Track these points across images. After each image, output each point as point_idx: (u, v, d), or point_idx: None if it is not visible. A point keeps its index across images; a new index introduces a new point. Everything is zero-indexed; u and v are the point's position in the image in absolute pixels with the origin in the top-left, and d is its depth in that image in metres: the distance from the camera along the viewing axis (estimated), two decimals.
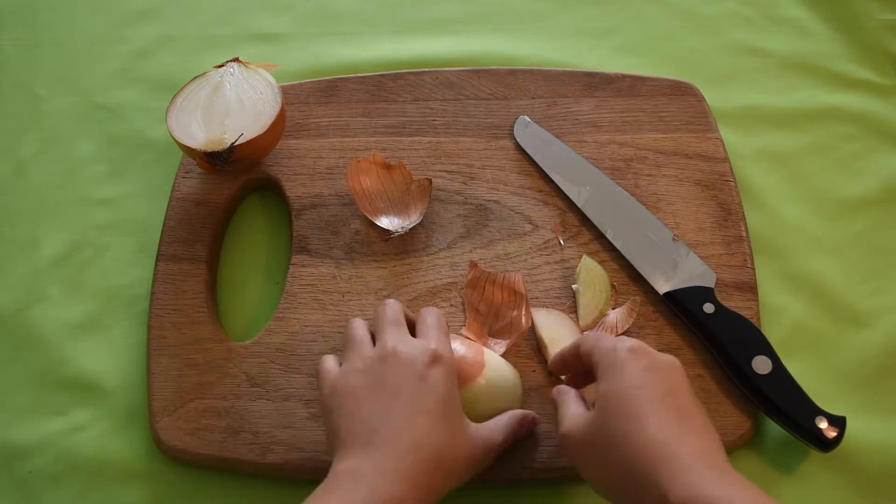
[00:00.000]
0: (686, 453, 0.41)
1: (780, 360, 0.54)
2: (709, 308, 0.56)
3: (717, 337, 0.55)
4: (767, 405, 0.54)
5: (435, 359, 0.48)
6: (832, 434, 0.52)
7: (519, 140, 0.66)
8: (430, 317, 0.51)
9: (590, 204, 0.63)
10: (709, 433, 0.44)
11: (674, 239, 0.60)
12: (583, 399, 0.49)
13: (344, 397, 0.47)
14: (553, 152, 0.65)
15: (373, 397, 0.47)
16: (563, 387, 0.50)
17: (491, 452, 0.49)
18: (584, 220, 0.63)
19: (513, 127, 0.67)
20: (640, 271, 0.60)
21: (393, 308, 0.51)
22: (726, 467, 0.42)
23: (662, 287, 0.58)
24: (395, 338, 0.49)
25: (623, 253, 0.60)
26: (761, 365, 0.54)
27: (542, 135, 0.66)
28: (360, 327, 0.51)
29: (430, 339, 0.49)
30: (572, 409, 0.47)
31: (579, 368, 0.51)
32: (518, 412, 0.52)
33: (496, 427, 0.50)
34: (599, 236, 0.62)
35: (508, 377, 0.53)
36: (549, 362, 0.54)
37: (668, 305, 0.59)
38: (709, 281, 0.58)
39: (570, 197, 0.63)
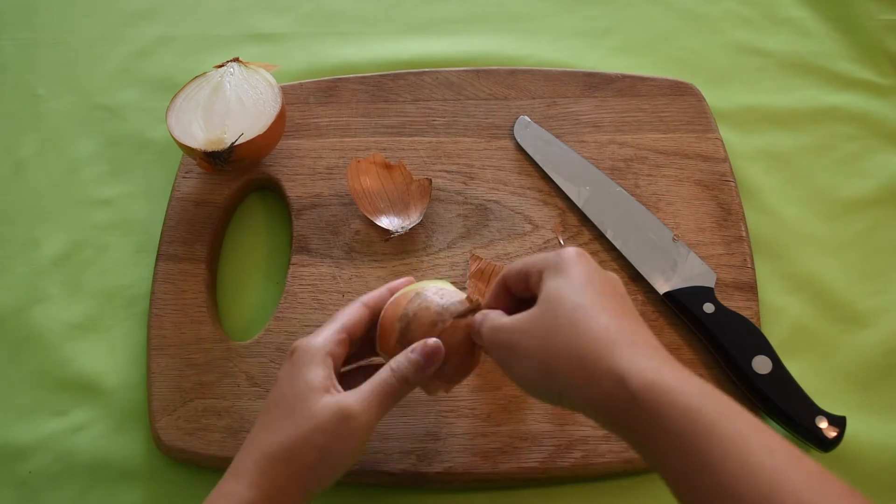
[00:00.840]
0: (640, 343, 0.40)
1: (781, 360, 0.54)
2: (709, 308, 0.56)
3: (717, 337, 0.55)
4: (767, 405, 0.54)
5: (290, 353, 0.46)
6: (832, 434, 0.52)
7: (519, 140, 0.66)
8: (339, 312, 0.49)
9: (590, 204, 0.63)
10: (652, 336, 0.42)
11: (674, 239, 0.60)
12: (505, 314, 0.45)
13: None
14: (553, 152, 0.65)
15: (262, 408, 0.47)
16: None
17: (349, 424, 0.43)
18: (584, 220, 0.63)
19: (513, 127, 0.67)
20: (639, 271, 0.60)
21: (344, 310, 0.49)
22: (680, 365, 0.39)
23: (662, 287, 0.58)
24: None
25: (623, 253, 0.60)
26: (761, 365, 0.54)
27: (543, 135, 0.66)
28: (337, 314, 0.49)
29: (316, 331, 0.47)
30: (501, 315, 0.44)
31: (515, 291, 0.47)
32: (396, 363, 0.45)
33: (357, 394, 0.44)
34: (599, 236, 0.62)
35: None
36: (491, 286, 0.49)
37: (668, 305, 0.59)
38: (709, 281, 0.58)
39: (570, 197, 0.63)
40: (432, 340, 0.46)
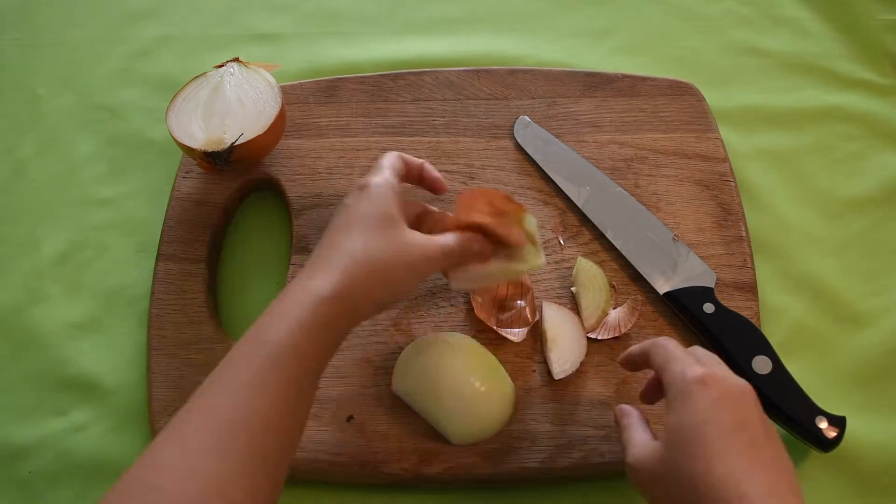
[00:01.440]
0: (755, 494, 0.39)
1: (780, 361, 0.54)
2: (709, 308, 0.56)
3: (716, 337, 0.55)
4: (767, 405, 0.54)
5: (360, 187, 0.49)
6: (832, 434, 0.52)
7: (519, 140, 0.66)
8: (383, 159, 0.52)
9: (590, 204, 0.63)
10: (780, 464, 0.42)
11: (674, 239, 0.60)
12: (647, 423, 0.47)
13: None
14: (553, 152, 0.65)
15: (333, 225, 0.49)
16: (626, 407, 0.49)
17: (429, 254, 0.48)
18: (584, 219, 0.63)
19: (513, 127, 0.67)
20: (640, 271, 0.60)
21: (388, 157, 0.52)
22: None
23: (662, 287, 0.58)
24: (369, 174, 0.51)
25: (623, 253, 0.60)
26: (761, 365, 0.54)
27: (542, 135, 0.66)
28: (383, 161, 0.52)
29: (373, 172, 0.51)
30: (638, 435, 0.46)
31: (643, 366, 0.49)
32: (459, 237, 0.51)
33: (435, 238, 0.50)
34: (599, 236, 0.62)
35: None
36: (619, 357, 0.51)
37: (668, 305, 0.59)
38: (709, 281, 0.58)
39: (571, 197, 0.63)
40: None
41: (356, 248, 0.46)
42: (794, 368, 0.54)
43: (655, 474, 0.43)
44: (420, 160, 0.54)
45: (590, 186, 0.63)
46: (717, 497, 0.39)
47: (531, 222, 0.53)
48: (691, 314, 0.57)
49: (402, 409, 0.55)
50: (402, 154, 0.53)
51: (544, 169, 0.65)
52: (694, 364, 0.44)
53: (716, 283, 0.58)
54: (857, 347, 0.59)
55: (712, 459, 0.40)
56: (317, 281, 0.44)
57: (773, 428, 0.44)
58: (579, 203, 0.63)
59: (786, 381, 0.54)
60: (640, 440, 0.45)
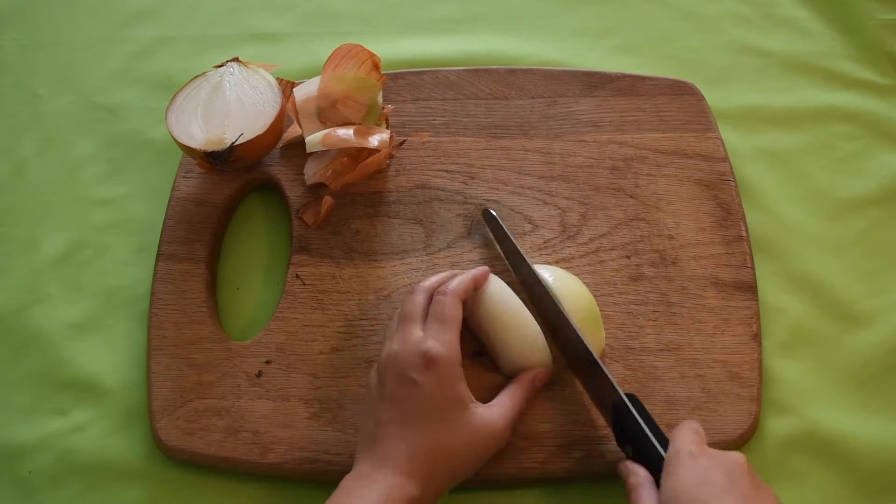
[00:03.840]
0: None
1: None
2: None
3: None
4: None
5: (427, 361, 0.48)
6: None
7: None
8: (437, 306, 0.51)
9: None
10: None
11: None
12: (655, 485, 0.47)
13: (367, 392, 0.51)
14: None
15: (378, 400, 0.49)
16: (634, 466, 0.48)
17: (496, 435, 0.50)
18: (584, 220, 0.63)
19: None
20: None
21: (413, 302, 0.52)
22: None
23: None
24: (400, 338, 0.50)
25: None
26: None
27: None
28: (414, 303, 0.52)
29: (427, 337, 0.49)
30: (646, 499, 0.46)
31: None
32: (524, 379, 0.53)
33: (499, 410, 0.51)
34: (599, 236, 0.62)
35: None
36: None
37: None
38: None
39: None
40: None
41: (431, 448, 0.47)
42: (794, 368, 0.55)
43: None
44: (471, 274, 0.53)
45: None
46: None
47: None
48: None
49: None
50: (457, 290, 0.52)
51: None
52: (689, 441, 0.46)
53: (716, 283, 0.58)
54: (857, 347, 0.59)
55: None
56: (407, 483, 0.46)
57: (766, 485, 0.45)
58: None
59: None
60: (651, 494, 0.46)
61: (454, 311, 0.51)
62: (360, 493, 0.46)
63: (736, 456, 0.45)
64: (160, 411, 0.56)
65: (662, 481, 0.45)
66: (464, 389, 0.49)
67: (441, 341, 0.49)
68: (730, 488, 0.43)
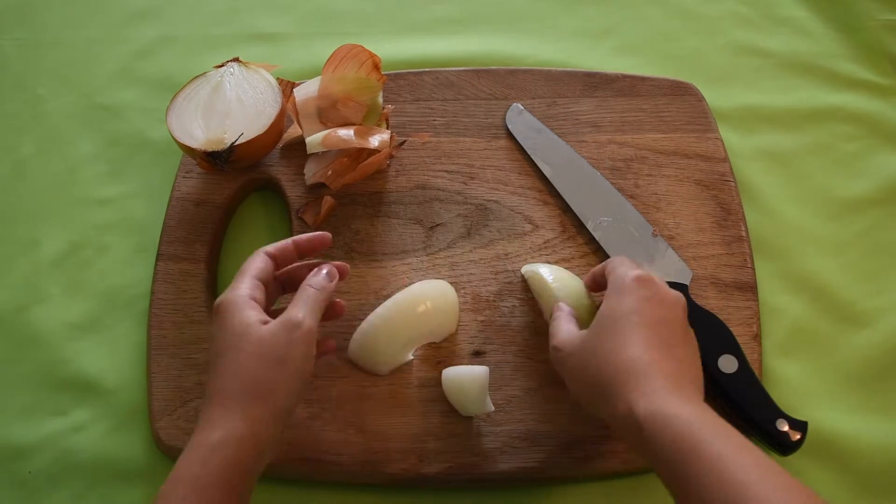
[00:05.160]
0: (658, 375, 0.43)
1: (747, 361, 0.54)
2: None
3: None
4: (728, 403, 0.53)
5: (214, 312, 0.48)
6: (796, 437, 0.51)
7: (510, 128, 0.66)
8: (242, 265, 0.51)
9: (574, 194, 0.63)
10: (687, 363, 0.46)
11: (654, 234, 0.60)
12: (575, 319, 0.52)
13: None
14: (543, 141, 0.65)
15: (210, 358, 0.48)
16: (561, 304, 0.53)
17: (292, 339, 0.46)
18: (584, 220, 0.63)
19: (505, 115, 0.67)
20: None
21: (246, 262, 0.51)
22: (692, 394, 0.44)
23: None
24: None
25: (602, 245, 0.60)
26: (727, 364, 0.53)
27: (535, 124, 0.66)
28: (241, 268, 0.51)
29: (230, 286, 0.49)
30: (564, 325, 0.51)
31: (605, 286, 0.51)
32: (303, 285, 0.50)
33: (283, 316, 0.47)
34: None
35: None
36: (585, 278, 0.55)
37: None
38: (685, 278, 0.58)
39: (557, 188, 0.63)
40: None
41: (233, 384, 0.45)
42: (794, 368, 0.54)
43: (575, 354, 0.48)
44: (285, 241, 0.53)
45: (576, 178, 0.63)
46: (624, 373, 0.44)
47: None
48: None
49: (403, 409, 0.55)
50: (265, 249, 0.52)
51: (532, 157, 0.64)
52: (637, 269, 0.49)
53: (716, 283, 0.58)
54: (857, 347, 0.59)
55: (629, 341, 0.45)
56: (223, 433, 0.44)
57: (692, 336, 0.48)
58: (564, 194, 0.63)
59: (750, 382, 0.53)
60: (566, 328, 0.50)
61: (250, 263, 0.50)
62: (185, 456, 0.44)
63: (677, 295, 0.48)
64: (160, 411, 0.56)
65: (605, 300, 0.48)
66: (250, 316, 0.47)
67: (230, 290, 0.49)
68: (659, 325, 0.46)
